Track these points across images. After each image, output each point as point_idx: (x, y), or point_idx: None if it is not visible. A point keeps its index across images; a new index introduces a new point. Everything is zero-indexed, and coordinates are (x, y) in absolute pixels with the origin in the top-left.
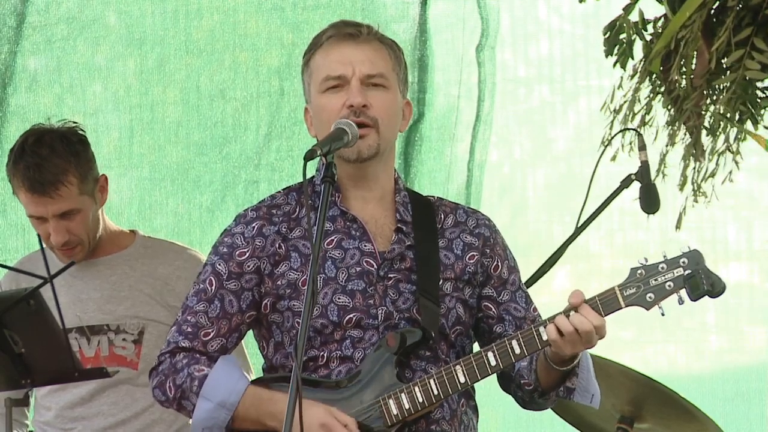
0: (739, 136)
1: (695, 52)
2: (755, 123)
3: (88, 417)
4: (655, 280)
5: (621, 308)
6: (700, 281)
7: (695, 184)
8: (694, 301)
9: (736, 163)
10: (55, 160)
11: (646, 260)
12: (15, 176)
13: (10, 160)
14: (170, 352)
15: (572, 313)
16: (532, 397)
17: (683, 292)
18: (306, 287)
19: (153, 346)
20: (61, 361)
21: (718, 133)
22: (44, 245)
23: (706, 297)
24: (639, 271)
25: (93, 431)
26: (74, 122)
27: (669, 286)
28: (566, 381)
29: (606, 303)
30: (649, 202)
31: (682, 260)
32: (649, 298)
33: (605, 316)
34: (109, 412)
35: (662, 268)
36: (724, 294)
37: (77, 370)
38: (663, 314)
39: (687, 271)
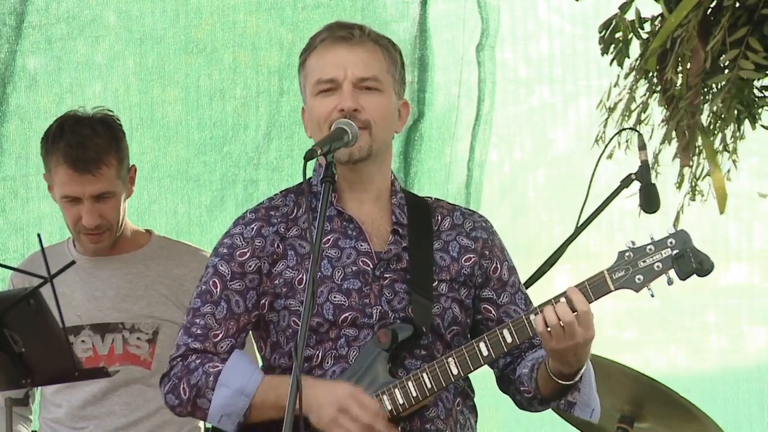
0: (737, 135)
1: (691, 52)
2: (753, 122)
3: (99, 416)
4: (644, 261)
5: (611, 291)
6: (688, 260)
7: (693, 183)
8: (683, 280)
9: (734, 162)
10: (97, 140)
11: (634, 243)
12: (54, 154)
13: (47, 140)
14: (182, 355)
15: (560, 301)
16: (531, 403)
17: (672, 273)
18: (302, 286)
19: (167, 346)
20: (61, 361)
21: (716, 132)
22: (43, 244)
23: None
24: (627, 254)
25: (104, 431)
26: (110, 110)
27: (657, 266)
28: (567, 395)
29: (595, 287)
30: (649, 201)
31: (669, 240)
32: (638, 280)
33: (595, 299)
34: (121, 413)
35: (650, 249)
36: (724, 294)
37: (77, 370)
38: (653, 296)
39: (675, 251)
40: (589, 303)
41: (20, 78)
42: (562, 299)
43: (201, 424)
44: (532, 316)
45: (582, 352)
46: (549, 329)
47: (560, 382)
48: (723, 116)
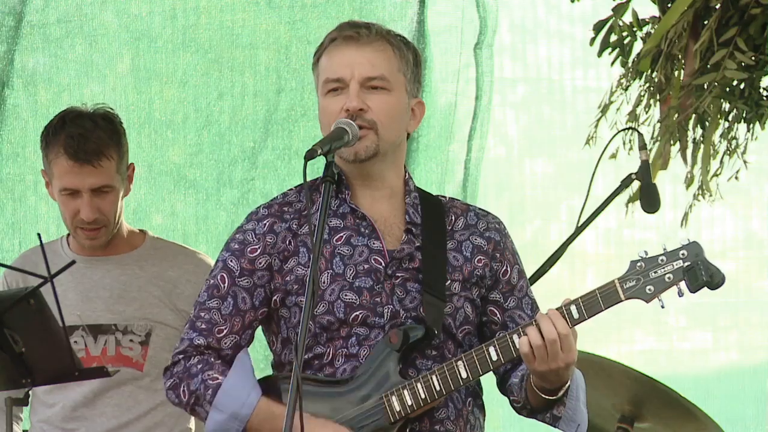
0: (747, 135)
1: (681, 52)
2: (762, 122)
3: (90, 418)
4: (655, 272)
5: (621, 301)
6: (699, 273)
7: (702, 182)
8: (693, 292)
9: (745, 162)
10: (99, 132)
11: (646, 253)
12: (55, 145)
13: (48, 132)
14: (184, 352)
15: (544, 321)
16: (521, 412)
17: (683, 284)
18: (310, 285)
19: (159, 348)
20: (61, 361)
21: (724, 133)
22: (43, 242)
23: (706, 289)
24: (639, 264)
25: None
26: (111, 108)
27: (668, 278)
28: (553, 408)
29: (606, 296)
30: (650, 201)
31: (681, 252)
32: (649, 290)
33: (605, 309)
34: (112, 414)
35: (662, 260)
36: (724, 293)
37: (77, 370)
38: (663, 306)
39: (686, 263)
40: (600, 312)
41: (19, 77)
42: (545, 320)
43: (192, 426)
44: (515, 336)
45: (563, 374)
46: (532, 349)
47: (544, 396)
48: (712, 116)
